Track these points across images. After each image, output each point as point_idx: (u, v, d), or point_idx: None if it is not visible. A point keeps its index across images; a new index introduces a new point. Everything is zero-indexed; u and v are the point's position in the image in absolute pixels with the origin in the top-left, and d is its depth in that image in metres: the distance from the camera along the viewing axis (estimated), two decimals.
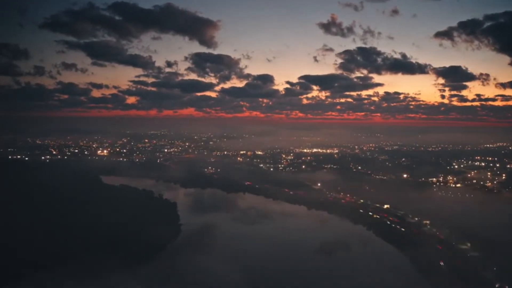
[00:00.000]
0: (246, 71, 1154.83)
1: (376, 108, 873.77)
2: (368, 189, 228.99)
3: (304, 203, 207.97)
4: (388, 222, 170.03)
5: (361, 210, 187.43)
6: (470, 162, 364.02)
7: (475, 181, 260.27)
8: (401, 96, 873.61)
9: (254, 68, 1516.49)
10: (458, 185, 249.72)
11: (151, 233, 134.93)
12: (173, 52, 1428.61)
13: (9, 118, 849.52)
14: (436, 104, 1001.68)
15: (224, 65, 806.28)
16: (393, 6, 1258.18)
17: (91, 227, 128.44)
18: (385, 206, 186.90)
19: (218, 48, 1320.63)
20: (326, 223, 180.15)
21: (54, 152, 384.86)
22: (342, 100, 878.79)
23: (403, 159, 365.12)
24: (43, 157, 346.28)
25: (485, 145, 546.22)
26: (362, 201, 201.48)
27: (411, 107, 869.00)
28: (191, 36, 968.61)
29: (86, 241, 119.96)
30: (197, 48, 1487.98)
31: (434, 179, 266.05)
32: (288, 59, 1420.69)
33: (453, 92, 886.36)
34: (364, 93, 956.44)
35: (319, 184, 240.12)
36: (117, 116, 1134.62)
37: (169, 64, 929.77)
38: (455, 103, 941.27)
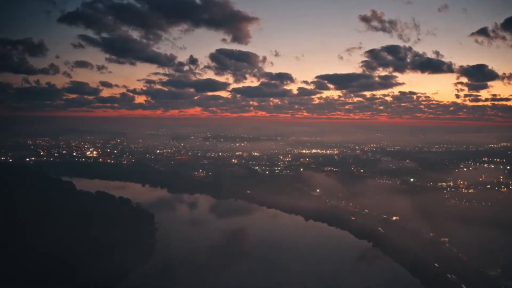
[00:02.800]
0: (268, 70, 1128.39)
1: (386, 107, 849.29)
2: (373, 195, 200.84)
3: (301, 212, 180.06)
4: (397, 237, 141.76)
5: (366, 223, 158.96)
6: (478, 164, 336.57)
7: (488, 186, 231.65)
8: (415, 96, 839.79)
9: (279, 66, 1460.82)
10: (471, 190, 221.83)
11: (112, 257, 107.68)
12: (200, 49, 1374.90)
13: (8, 118, 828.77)
14: (447, 103, 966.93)
15: (247, 63, 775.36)
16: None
17: (33, 252, 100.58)
18: (394, 217, 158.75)
19: (248, 44, 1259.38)
20: (326, 238, 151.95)
21: (41, 153, 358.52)
22: (355, 99, 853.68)
23: (407, 160, 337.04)
24: (27, 159, 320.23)
25: (490, 145, 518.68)
26: (366, 211, 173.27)
27: (421, 106, 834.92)
28: (225, 31, 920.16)
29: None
30: (226, 44, 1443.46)
31: (444, 183, 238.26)
32: (318, 57, 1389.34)
33: (469, 92, 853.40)
34: (379, 92, 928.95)
35: (318, 190, 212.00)
36: (121, 116, 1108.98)
37: (192, 61, 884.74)
38: (467, 102, 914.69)
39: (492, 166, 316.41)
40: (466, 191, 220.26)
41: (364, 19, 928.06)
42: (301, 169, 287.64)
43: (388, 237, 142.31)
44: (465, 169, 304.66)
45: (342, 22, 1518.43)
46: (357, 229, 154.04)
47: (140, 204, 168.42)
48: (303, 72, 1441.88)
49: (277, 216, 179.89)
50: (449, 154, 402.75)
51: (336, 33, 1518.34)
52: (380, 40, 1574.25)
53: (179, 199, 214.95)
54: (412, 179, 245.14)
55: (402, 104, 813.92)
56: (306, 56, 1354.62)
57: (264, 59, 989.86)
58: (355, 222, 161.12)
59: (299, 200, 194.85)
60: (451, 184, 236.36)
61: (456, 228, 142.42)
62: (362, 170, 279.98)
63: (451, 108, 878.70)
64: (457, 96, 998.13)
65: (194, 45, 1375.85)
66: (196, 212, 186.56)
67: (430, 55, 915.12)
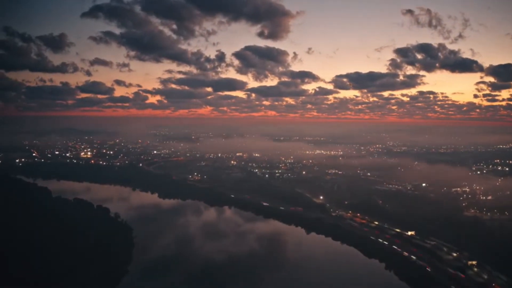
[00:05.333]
0: (295, 67, 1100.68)
1: (398, 107, 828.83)
2: (382, 204, 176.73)
3: (302, 223, 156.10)
4: (414, 258, 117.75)
5: (376, 238, 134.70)
6: (490, 166, 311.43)
7: (508, 192, 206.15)
8: (432, 96, 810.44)
9: (308, 64, 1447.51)
10: (489, 197, 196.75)
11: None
12: (230, 45, 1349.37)
13: (14, 118, 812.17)
14: (463, 103, 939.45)
15: (274, 61, 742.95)
16: None
17: None
18: (409, 233, 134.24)
19: (284, 40, 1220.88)
20: (329, 256, 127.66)
21: (34, 154, 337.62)
22: (371, 99, 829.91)
23: (416, 162, 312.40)
24: (17, 160, 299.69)
25: (499, 146, 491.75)
26: (376, 223, 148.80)
27: (434, 106, 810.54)
28: (262, 26, 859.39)
29: None
30: (259, 40, 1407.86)
31: (458, 188, 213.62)
32: (351, 54, 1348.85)
33: (489, 91, 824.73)
34: (398, 92, 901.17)
35: (321, 198, 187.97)
36: (129, 115, 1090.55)
37: (220, 58, 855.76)
38: (483, 102, 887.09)
39: (507, 169, 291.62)
40: (484, 198, 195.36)
41: (408, 13, 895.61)
42: (304, 172, 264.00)
43: (403, 258, 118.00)
44: (478, 172, 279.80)
45: (384, 16, 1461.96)
46: (366, 246, 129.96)
47: (119, 214, 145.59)
48: (331, 70, 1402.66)
49: (275, 228, 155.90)
50: (459, 155, 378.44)
51: (374, 29, 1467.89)
52: (414, 37, 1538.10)
53: (169, 206, 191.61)
54: (423, 184, 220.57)
55: (416, 104, 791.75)
56: (339, 54, 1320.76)
57: (295, 56, 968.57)
58: (363, 236, 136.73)
59: (300, 209, 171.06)
60: (467, 190, 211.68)
61: (485, 247, 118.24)
62: (369, 174, 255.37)
63: (464, 108, 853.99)
64: (475, 96, 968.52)
65: (226, 42, 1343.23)
66: (183, 224, 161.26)
67: (465, 54, 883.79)
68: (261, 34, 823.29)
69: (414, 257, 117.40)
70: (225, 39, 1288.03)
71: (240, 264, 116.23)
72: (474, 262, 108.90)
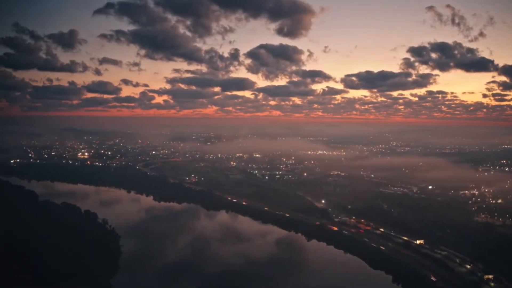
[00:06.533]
0: (309, 66, 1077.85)
1: (405, 107, 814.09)
2: (387, 208, 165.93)
3: (302, 229, 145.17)
4: (424, 270, 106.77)
5: (381, 246, 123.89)
6: (497, 167, 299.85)
7: None
8: (440, 96, 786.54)
9: (323, 63, 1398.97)
10: (499, 201, 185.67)
11: None
12: (246, 44, 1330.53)
13: (17, 118, 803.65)
14: (471, 103, 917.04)
15: (288, 60, 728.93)
16: None
17: None
18: (418, 241, 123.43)
19: (302, 38, 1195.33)
20: (332, 265, 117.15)
21: (30, 155, 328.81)
22: (379, 99, 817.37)
23: (420, 163, 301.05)
24: (12, 161, 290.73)
25: (504, 146, 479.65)
26: (382, 230, 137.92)
27: (441, 106, 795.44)
28: (281, 23, 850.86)
29: None
30: (277, 38, 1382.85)
31: (466, 191, 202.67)
32: (366, 54, 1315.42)
33: (500, 91, 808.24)
34: (407, 92, 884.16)
35: (323, 201, 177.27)
36: (133, 115, 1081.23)
37: (234, 56, 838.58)
38: (491, 102, 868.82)
39: None
40: (494, 201, 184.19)
41: (431, 10, 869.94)
42: (305, 174, 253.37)
43: (413, 270, 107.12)
44: (485, 173, 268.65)
45: (405, 14, 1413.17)
46: (371, 255, 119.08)
47: (107, 220, 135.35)
48: (346, 69, 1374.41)
49: (273, 234, 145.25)
50: (463, 155, 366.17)
51: (394, 27, 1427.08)
52: (432, 36, 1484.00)
53: (163, 209, 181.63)
54: (430, 186, 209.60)
55: (423, 104, 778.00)
56: (356, 52, 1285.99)
57: (311, 54, 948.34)
58: (367, 245, 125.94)
59: (300, 213, 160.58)
60: (476, 192, 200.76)
61: (499, 257, 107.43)
62: (372, 175, 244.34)
63: (471, 108, 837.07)
64: (484, 96, 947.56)
65: (241, 40, 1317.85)
66: (176, 230, 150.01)
67: (483, 53, 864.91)
68: (280, 31, 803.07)
69: (423, 269, 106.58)
70: (241, 37, 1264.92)
71: (233, 276, 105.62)
72: (490, 276, 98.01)
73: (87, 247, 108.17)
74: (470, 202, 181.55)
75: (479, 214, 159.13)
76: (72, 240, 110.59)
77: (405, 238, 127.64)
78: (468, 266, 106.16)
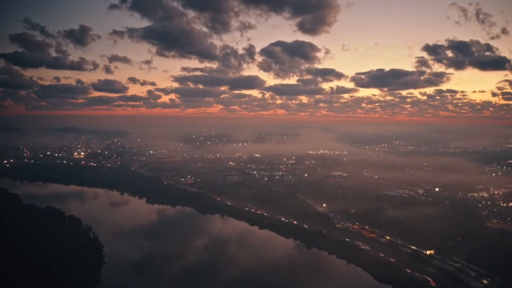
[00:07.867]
0: (324, 64, 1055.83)
1: (412, 106, 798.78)
2: (392, 213, 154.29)
3: (302, 236, 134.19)
4: (435, 285, 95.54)
5: (388, 257, 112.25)
6: (504, 167, 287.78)
7: None
8: (448, 95, 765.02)
9: (339, 61, 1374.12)
10: (511, 204, 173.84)
11: None
12: (264, 40, 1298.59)
13: (19, 117, 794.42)
14: (479, 102, 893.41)
15: (303, 58, 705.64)
16: None
17: None
18: (428, 251, 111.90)
19: (323, 35, 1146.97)
20: (333, 277, 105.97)
21: (26, 155, 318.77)
22: (387, 98, 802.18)
23: (425, 163, 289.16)
24: (5, 161, 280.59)
25: (508, 145, 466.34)
26: (388, 237, 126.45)
27: (448, 105, 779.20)
28: (303, 19, 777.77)
29: None
30: (295, 35, 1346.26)
31: (475, 193, 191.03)
32: (385, 52, 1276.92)
33: (510, 90, 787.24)
34: (417, 91, 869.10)
35: (324, 205, 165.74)
36: (137, 114, 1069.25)
37: (250, 54, 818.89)
38: (501, 101, 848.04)
39: None
40: (505, 205, 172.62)
41: (454, 6, 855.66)
42: (305, 175, 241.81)
43: (424, 286, 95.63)
44: (493, 174, 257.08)
45: (428, 10, 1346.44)
46: (376, 267, 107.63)
47: (91, 227, 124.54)
48: (362, 68, 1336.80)
49: (271, 241, 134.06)
50: (468, 155, 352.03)
51: (414, 25, 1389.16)
52: (452, 33, 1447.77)
53: (155, 213, 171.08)
54: (436, 189, 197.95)
55: (431, 103, 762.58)
56: (374, 50, 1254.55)
57: (328, 52, 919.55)
58: (372, 255, 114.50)
59: (300, 218, 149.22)
60: (485, 195, 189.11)
61: None
62: (376, 176, 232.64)
63: (478, 107, 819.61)
64: (494, 94, 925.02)
65: (258, 37, 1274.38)
66: (168, 236, 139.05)
67: (502, 52, 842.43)
68: (301, 27, 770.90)
69: (436, 285, 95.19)
70: (259, 34, 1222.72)
71: None
72: None
73: (67, 258, 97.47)
74: (480, 205, 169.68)
75: (491, 219, 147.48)
76: (51, 249, 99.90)
77: (413, 247, 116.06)
78: (485, 281, 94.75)
